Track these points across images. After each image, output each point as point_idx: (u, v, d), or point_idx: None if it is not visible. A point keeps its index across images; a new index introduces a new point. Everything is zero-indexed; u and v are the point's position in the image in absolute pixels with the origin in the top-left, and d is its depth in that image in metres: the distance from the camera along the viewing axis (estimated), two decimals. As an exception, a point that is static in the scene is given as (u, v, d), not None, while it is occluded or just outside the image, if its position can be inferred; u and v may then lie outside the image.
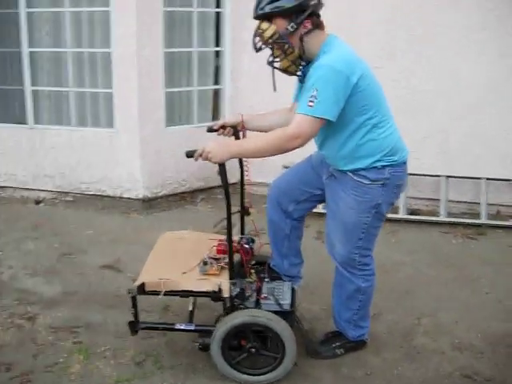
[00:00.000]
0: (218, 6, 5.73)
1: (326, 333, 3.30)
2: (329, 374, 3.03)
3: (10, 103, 6.02)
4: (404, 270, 4.33)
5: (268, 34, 2.70)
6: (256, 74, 5.78)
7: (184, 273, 2.93)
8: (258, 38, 2.77)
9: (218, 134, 3.17)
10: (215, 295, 2.85)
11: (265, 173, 5.11)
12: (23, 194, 5.96)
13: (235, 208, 2.98)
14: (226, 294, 2.83)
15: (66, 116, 5.78)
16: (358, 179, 2.86)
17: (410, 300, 3.85)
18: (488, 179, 5.31)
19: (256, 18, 2.76)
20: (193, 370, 3.01)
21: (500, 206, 5.48)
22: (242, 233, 3.28)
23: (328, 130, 2.78)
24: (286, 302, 2.96)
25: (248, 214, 3.13)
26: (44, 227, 5.15)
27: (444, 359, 3.18)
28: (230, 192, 2.75)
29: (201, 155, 2.71)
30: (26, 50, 5.59)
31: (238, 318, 2.85)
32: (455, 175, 5.43)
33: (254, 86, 5.77)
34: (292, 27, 2.69)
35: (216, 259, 3.00)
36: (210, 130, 3.18)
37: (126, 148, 5.51)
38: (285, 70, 2.83)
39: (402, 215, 5.31)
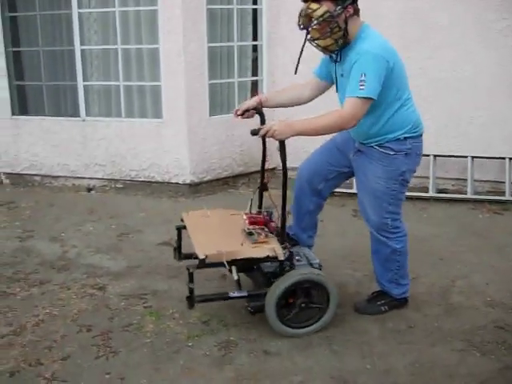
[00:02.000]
0: (255, 3, 6.11)
1: (372, 292, 3.69)
2: (375, 326, 3.41)
3: (63, 98, 6.46)
4: (436, 240, 4.71)
5: (319, 13, 3.04)
6: (289, 66, 6.17)
7: (241, 244, 3.22)
8: (301, 19, 3.12)
9: (243, 118, 3.46)
10: (272, 259, 3.18)
11: (301, 158, 5.53)
12: (74, 183, 6.39)
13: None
14: (281, 258, 3.17)
15: (116, 108, 6.17)
16: (384, 151, 3.26)
17: (443, 265, 4.23)
18: (511, 159, 5.65)
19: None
20: (253, 327, 3.37)
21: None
22: (260, 207, 3.60)
23: None
24: (315, 261, 3.39)
25: (266, 189, 3.47)
26: (99, 211, 5.56)
27: (478, 314, 3.54)
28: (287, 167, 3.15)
29: (266, 133, 3.06)
30: (78, 47, 6.00)
31: (297, 275, 3.21)
32: (480, 155, 5.78)
33: (289, 77, 6.14)
34: (339, 9, 3.05)
35: (259, 229, 3.34)
36: (240, 114, 3.43)
37: (173, 137, 5.89)
38: (325, 48, 3.17)
39: (431, 193, 5.68)
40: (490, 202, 5.58)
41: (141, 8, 5.83)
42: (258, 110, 3.45)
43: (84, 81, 6.11)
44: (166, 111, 5.87)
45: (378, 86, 3.03)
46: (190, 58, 5.66)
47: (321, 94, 3.56)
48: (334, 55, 3.24)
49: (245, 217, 3.46)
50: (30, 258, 4.46)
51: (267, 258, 3.18)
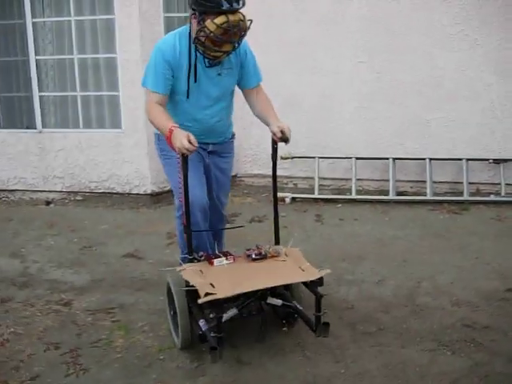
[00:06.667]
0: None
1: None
2: (347, 331, 3.42)
3: (18, 109, 6.30)
4: (399, 242, 4.78)
5: (247, 23, 3.09)
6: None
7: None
8: (239, 32, 3.06)
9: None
10: None
11: (260, 165, 5.64)
12: (32, 196, 6.27)
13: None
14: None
15: (74, 119, 6.07)
16: (233, 140, 3.72)
17: (408, 267, 4.28)
18: (468, 160, 5.78)
19: (238, 9, 3.03)
20: (228, 338, 3.20)
21: (479, 184, 5.96)
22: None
23: (227, 99, 3.51)
24: None
25: None
26: (59, 225, 5.46)
27: (445, 314, 3.59)
28: None
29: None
30: (33, 57, 5.89)
31: None
32: (437, 157, 5.89)
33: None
34: None
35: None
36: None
37: (133, 147, 5.83)
38: (224, 54, 3.18)
39: (391, 197, 5.76)
40: (449, 202, 5.69)
41: (97, 17, 5.76)
42: None
43: (40, 91, 6.00)
44: (125, 121, 5.82)
45: None
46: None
47: None
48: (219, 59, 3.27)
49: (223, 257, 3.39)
50: (-10, 276, 4.35)
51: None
